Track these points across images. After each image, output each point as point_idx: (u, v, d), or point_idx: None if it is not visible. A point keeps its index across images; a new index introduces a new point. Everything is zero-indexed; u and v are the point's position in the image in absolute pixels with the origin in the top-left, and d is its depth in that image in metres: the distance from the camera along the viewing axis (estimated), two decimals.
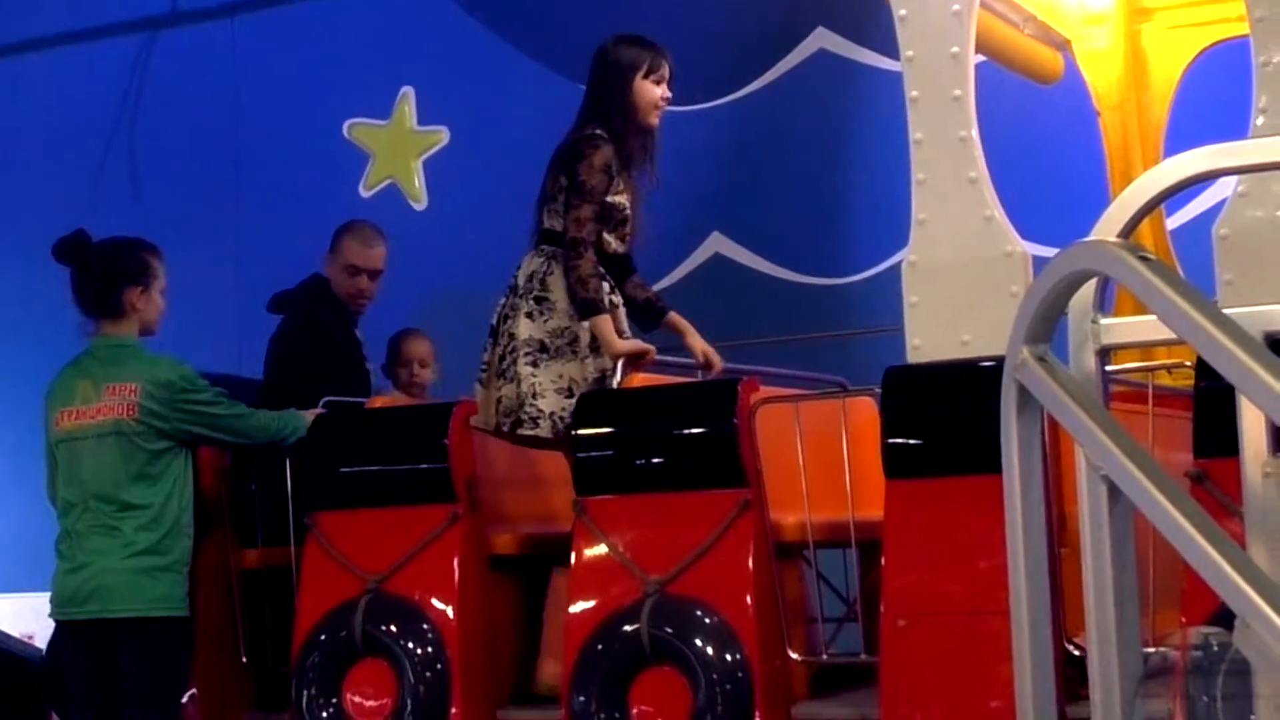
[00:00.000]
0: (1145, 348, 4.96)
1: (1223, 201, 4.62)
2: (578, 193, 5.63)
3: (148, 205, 10.52)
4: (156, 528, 5.51)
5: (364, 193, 10.10)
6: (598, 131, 5.68)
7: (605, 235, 5.67)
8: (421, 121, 10.01)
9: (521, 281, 5.72)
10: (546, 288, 5.67)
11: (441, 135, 9.97)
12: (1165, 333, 2.65)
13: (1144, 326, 2.95)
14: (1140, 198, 2.92)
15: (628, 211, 5.74)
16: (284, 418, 5.89)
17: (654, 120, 5.77)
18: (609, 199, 5.67)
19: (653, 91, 5.73)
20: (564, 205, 5.66)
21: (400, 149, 10.04)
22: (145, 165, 10.68)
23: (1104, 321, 2.97)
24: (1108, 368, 3.27)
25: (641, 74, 5.72)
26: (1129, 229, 2.93)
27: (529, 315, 5.65)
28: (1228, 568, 2.40)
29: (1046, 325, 2.89)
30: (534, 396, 5.54)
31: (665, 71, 5.74)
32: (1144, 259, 2.61)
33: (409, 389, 7.01)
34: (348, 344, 6.78)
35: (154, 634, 5.44)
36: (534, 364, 5.59)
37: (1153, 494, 2.55)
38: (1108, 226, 2.94)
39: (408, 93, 10.05)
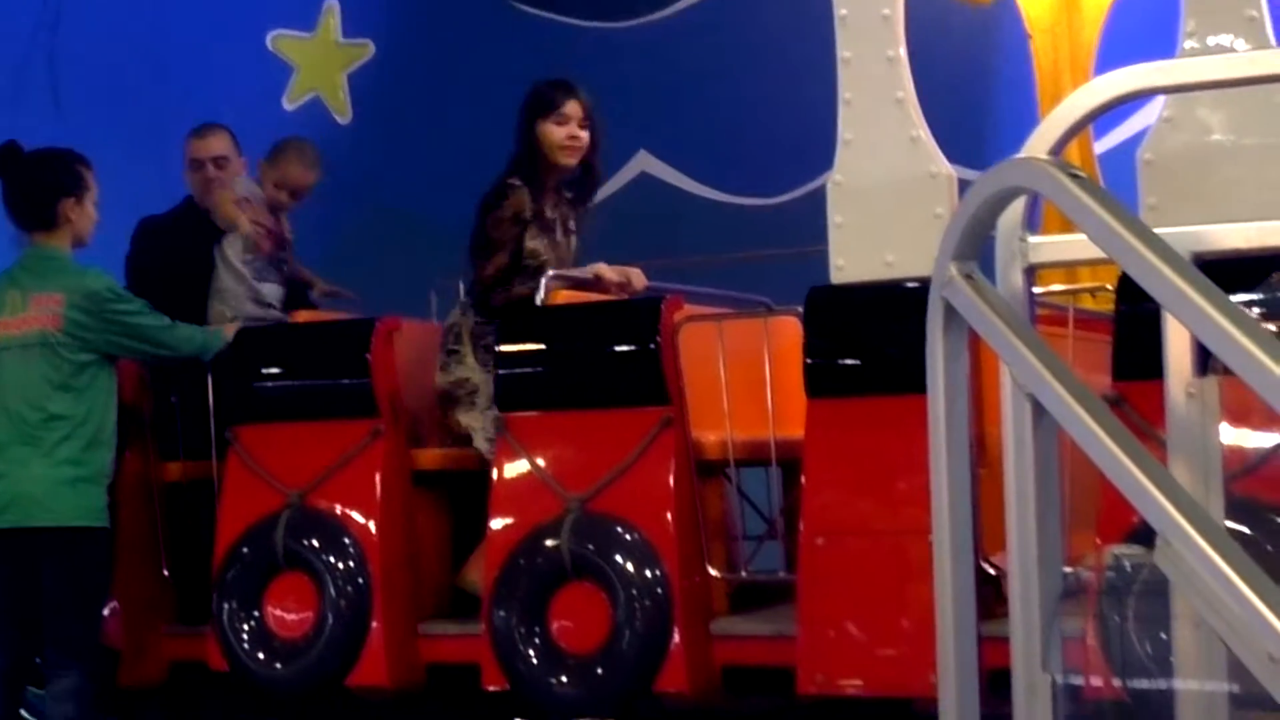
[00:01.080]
0: (1072, 267, 4.98)
1: (1148, 128, 4.64)
2: (486, 245, 5.66)
3: (69, 117, 10.35)
4: (79, 439, 5.47)
5: (288, 106, 9.97)
6: (512, 180, 5.73)
7: (516, 286, 5.60)
8: (346, 34, 9.89)
9: (444, 333, 5.82)
10: (459, 340, 5.75)
11: (367, 48, 9.85)
12: (1093, 251, 2.65)
13: (1072, 245, 2.95)
14: (1070, 116, 2.92)
15: (543, 258, 5.70)
16: (208, 331, 5.86)
17: (565, 160, 5.77)
18: (525, 244, 5.67)
19: (555, 133, 5.74)
20: (477, 256, 5.69)
21: (325, 62, 9.92)
22: (66, 77, 10.51)
23: (1032, 240, 2.98)
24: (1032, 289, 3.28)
25: (544, 116, 5.75)
26: (1058, 147, 2.93)
27: (441, 367, 5.75)
28: (1150, 486, 2.42)
29: (974, 243, 2.89)
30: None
31: (570, 110, 5.75)
32: (1074, 176, 2.61)
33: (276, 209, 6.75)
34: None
35: (74, 544, 5.41)
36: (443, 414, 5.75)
37: (1077, 412, 2.56)
38: (1037, 144, 2.93)
39: (332, 5, 9.91)
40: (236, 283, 6.30)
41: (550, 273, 5.58)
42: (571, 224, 5.91)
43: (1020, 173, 2.80)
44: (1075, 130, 2.96)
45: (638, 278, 5.78)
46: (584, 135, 5.78)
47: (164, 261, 6.53)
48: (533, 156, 5.77)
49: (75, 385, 5.51)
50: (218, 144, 6.83)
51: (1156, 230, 2.70)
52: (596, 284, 5.71)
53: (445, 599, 5.76)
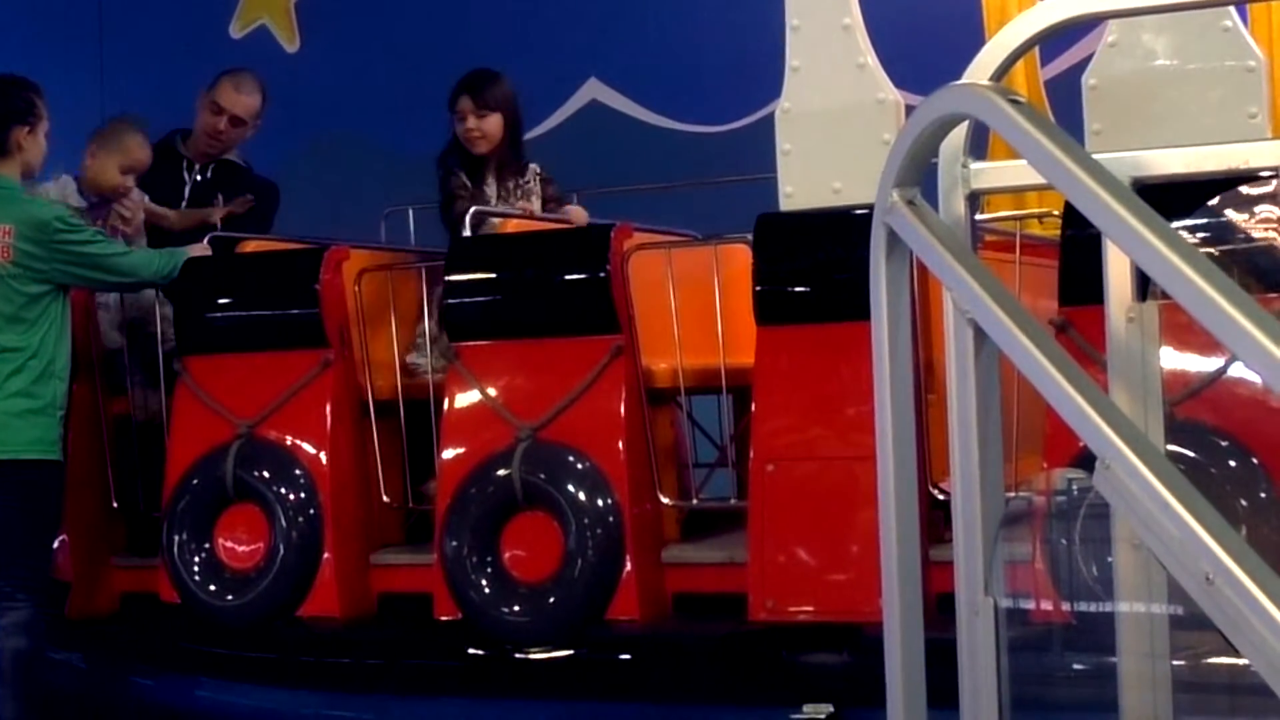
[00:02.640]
0: (1013, 193, 4.99)
1: (1092, 55, 4.64)
2: (448, 221, 6.04)
3: (8, 35, 10.24)
4: (30, 371, 5.44)
5: (234, 34, 9.89)
6: (449, 164, 6.19)
7: None
8: None
9: None
10: None
11: None
12: (1034, 177, 2.65)
13: (1013, 171, 2.95)
14: (1012, 41, 2.92)
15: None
16: (164, 253, 5.80)
17: (475, 150, 6.18)
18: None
19: (458, 128, 6.19)
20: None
21: None
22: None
23: (974, 166, 2.98)
24: (979, 216, 3.28)
25: (452, 113, 6.22)
26: (1000, 73, 2.93)
27: None
28: (1090, 410, 2.43)
29: (916, 169, 2.89)
30: None
31: (462, 106, 6.17)
32: (1014, 102, 2.61)
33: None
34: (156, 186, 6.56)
35: (26, 476, 5.40)
36: None
37: (1018, 338, 2.57)
38: (980, 70, 2.94)
39: None
40: None
41: (473, 208, 5.60)
42: (519, 187, 6.21)
43: (961, 98, 2.80)
44: (1016, 56, 2.96)
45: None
46: (484, 125, 6.15)
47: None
48: (455, 145, 6.21)
49: (26, 317, 5.48)
50: (249, 104, 6.73)
51: (1099, 156, 2.70)
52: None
53: (397, 528, 5.77)
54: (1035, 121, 2.57)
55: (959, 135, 2.94)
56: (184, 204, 6.62)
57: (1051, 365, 2.49)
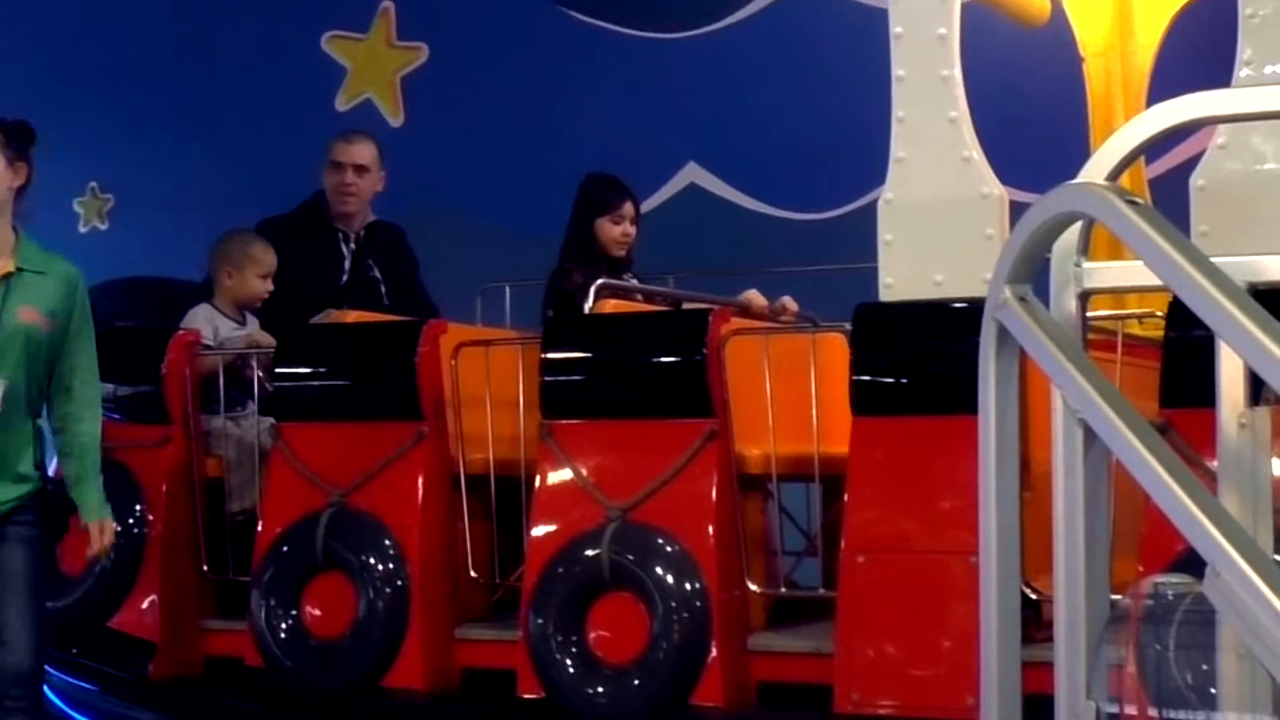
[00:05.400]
0: (1125, 293, 4.97)
1: (1200, 154, 4.63)
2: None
3: (119, 111, 10.42)
4: None
5: (340, 106, 10.02)
6: (567, 265, 6.22)
7: None
8: (401, 36, 9.93)
9: None
10: None
11: (421, 52, 9.89)
12: (1148, 278, 2.64)
13: (1127, 271, 2.94)
14: (1128, 143, 2.92)
15: None
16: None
17: (618, 253, 6.34)
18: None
19: (612, 230, 6.30)
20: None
21: (378, 64, 9.96)
22: (117, 68, 10.57)
23: (1086, 265, 2.97)
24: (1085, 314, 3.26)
25: (602, 214, 6.30)
26: (1116, 173, 2.93)
27: None
28: (1201, 516, 2.41)
29: (1029, 265, 2.88)
30: None
31: (626, 210, 6.32)
32: (1131, 203, 2.61)
33: (259, 301, 6.70)
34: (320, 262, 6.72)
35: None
36: None
37: (1129, 439, 2.56)
38: (1095, 170, 2.93)
39: (388, 7, 9.95)
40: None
41: (600, 280, 5.63)
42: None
43: (1078, 198, 2.79)
44: (1133, 157, 2.95)
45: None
46: (633, 231, 6.35)
47: (288, 258, 6.59)
48: (588, 247, 6.29)
49: None
50: (363, 152, 6.95)
51: (1211, 258, 2.69)
52: (745, 312, 6.06)
53: (483, 603, 5.78)
54: (1153, 223, 2.56)
55: (1072, 234, 2.94)
56: (345, 278, 6.78)
57: (1163, 469, 2.47)
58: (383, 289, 6.82)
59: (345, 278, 6.82)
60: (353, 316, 6.14)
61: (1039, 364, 2.85)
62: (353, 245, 6.88)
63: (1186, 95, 3.03)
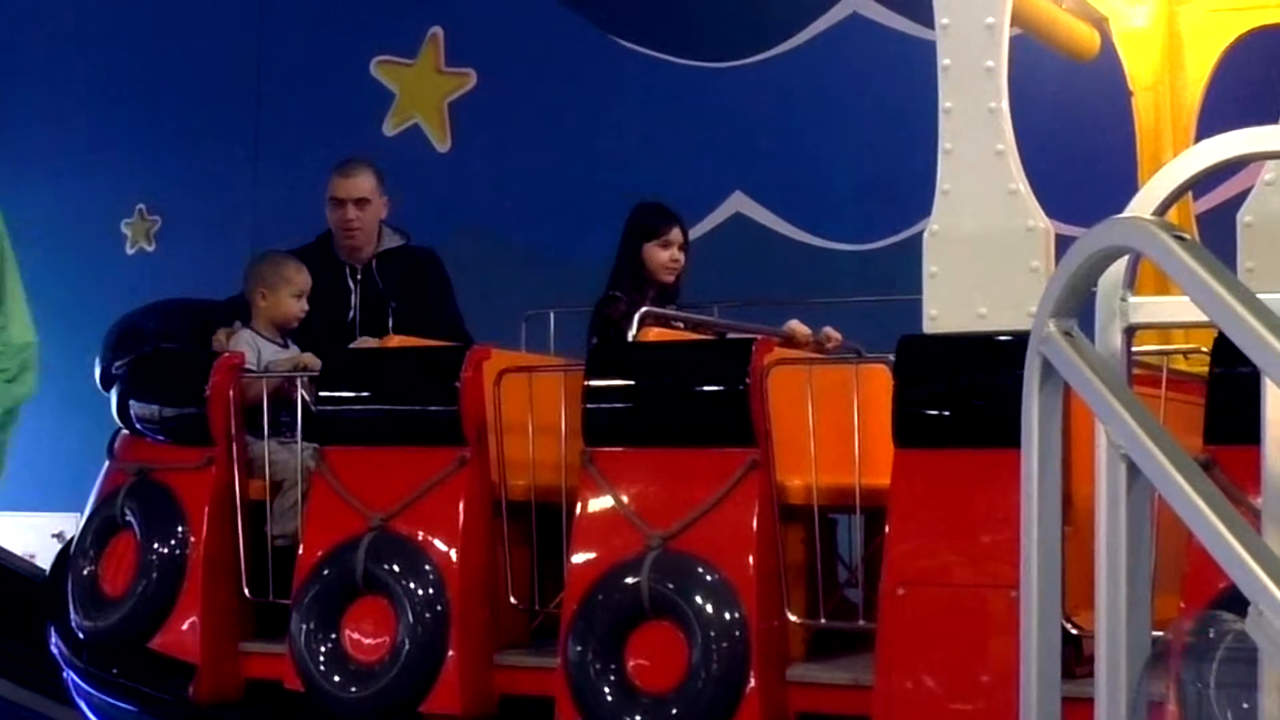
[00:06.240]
0: (1171, 329, 4.94)
1: (1248, 190, 4.61)
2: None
3: (167, 134, 10.50)
4: None
5: (387, 131, 10.07)
6: (614, 293, 6.27)
7: None
8: (449, 62, 9.97)
9: None
10: None
11: (469, 77, 9.93)
12: (1195, 314, 2.62)
13: (1174, 307, 2.93)
14: (1176, 177, 2.90)
15: None
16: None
17: (666, 279, 6.38)
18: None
19: (659, 255, 6.34)
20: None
21: (426, 89, 10.01)
22: (166, 92, 10.66)
23: (1133, 300, 2.96)
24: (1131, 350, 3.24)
25: (649, 240, 6.33)
26: (1163, 208, 2.91)
27: None
28: (1245, 554, 2.39)
29: (1075, 300, 2.87)
30: None
31: (673, 236, 6.36)
32: (1179, 238, 2.60)
33: (295, 321, 6.57)
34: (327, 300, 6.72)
35: None
36: None
37: (1174, 476, 2.54)
38: (1142, 205, 2.92)
39: (436, 33, 10.00)
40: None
41: (644, 309, 5.63)
42: None
43: (1125, 232, 2.78)
44: (1180, 192, 2.94)
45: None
46: (682, 257, 6.38)
47: None
48: (636, 274, 6.33)
49: None
50: (363, 184, 6.84)
51: (1258, 295, 2.67)
52: (789, 342, 6.09)
53: (522, 630, 5.77)
54: (1201, 259, 2.55)
55: (1119, 268, 2.92)
56: (352, 313, 6.75)
57: (1207, 506, 2.46)
58: (390, 320, 6.68)
59: (353, 314, 6.76)
60: (396, 341, 6.15)
61: (1083, 399, 2.84)
62: (360, 278, 6.81)
63: (1235, 131, 3.02)
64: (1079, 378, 2.80)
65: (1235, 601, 2.56)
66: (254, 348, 6.30)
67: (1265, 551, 2.44)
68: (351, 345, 6.08)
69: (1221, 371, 4.43)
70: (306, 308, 6.46)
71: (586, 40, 9.39)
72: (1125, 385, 2.84)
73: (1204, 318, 2.63)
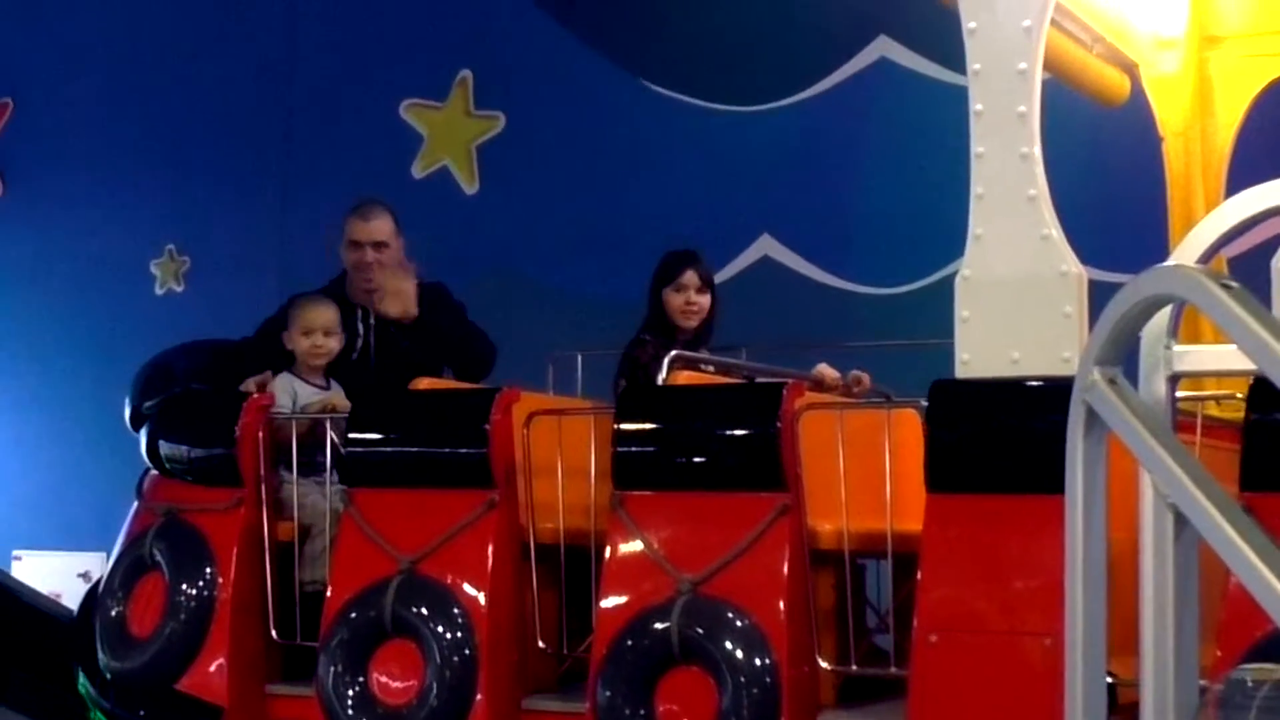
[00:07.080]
0: (1217, 377, 4.92)
1: (1276, 236, 4.60)
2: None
3: (197, 175, 10.54)
4: None
5: (416, 174, 10.09)
6: (643, 336, 6.27)
7: None
8: (478, 105, 10.00)
9: None
10: None
11: (498, 121, 9.96)
12: (1241, 362, 2.62)
13: (1218, 355, 2.92)
14: (1222, 224, 2.90)
15: None
16: None
17: (684, 323, 6.32)
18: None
19: (674, 299, 6.29)
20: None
21: (455, 132, 10.04)
22: (197, 134, 10.70)
23: (1177, 349, 2.95)
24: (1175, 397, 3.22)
25: (666, 284, 6.31)
26: (1208, 256, 2.91)
27: None
28: None
29: (1119, 348, 2.86)
30: None
31: (687, 279, 6.30)
32: (1226, 287, 2.59)
33: (311, 358, 6.61)
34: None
35: None
36: None
37: (1221, 525, 2.52)
38: (1186, 252, 2.91)
39: (466, 76, 10.04)
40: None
41: (673, 352, 5.63)
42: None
43: (1171, 280, 2.77)
44: (1225, 240, 2.93)
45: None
46: (701, 300, 6.31)
47: None
48: (659, 319, 6.31)
49: None
50: (381, 228, 6.86)
51: None
52: (819, 386, 6.10)
53: (550, 674, 5.75)
54: (1247, 307, 2.54)
55: (1162, 316, 2.91)
56: (356, 354, 6.73)
57: (1257, 556, 2.44)
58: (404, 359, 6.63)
59: (356, 355, 6.73)
60: (425, 384, 6.15)
61: (1129, 447, 2.82)
62: (372, 321, 6.79)
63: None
64: (1124, 426, 2.79)
65: (1272, 649, 2.54)
66: (289, 391, 6.30)
67: None
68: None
69: (1258, 418, 4.41)
70: (322, 344, 6.42)
71: (615, 84, 9.41)
72: (1171, 433, 2.82)
73: (1250, 366, 2.62)
